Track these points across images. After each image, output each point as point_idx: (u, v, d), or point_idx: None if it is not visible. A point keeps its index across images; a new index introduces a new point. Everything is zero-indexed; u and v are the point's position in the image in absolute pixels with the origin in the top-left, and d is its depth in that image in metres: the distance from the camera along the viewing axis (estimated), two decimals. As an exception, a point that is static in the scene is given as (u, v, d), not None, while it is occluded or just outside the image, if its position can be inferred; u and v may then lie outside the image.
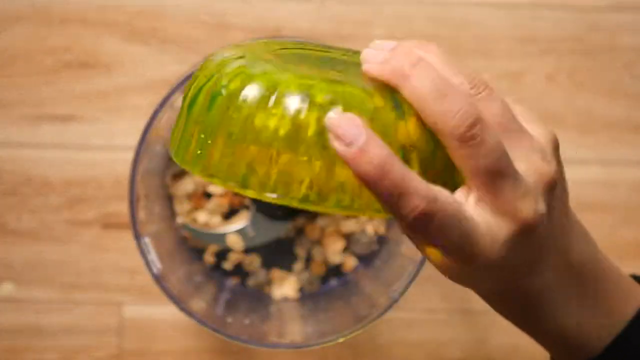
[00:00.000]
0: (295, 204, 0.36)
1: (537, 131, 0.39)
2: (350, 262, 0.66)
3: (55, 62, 0.69)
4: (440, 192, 0.35)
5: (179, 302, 0.56)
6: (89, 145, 0.69)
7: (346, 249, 0.66)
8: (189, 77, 0.57)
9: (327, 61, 0.42)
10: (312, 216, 0.65)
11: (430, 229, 0.35)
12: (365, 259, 0.66)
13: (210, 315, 0.59)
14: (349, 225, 0.65)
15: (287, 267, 0.66)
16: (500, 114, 0.37)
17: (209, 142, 0.37)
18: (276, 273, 0.66)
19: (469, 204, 0.37)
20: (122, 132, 0.69)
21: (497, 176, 0.36)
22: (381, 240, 0.66)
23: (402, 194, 0.34)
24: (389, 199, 0.34)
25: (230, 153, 0.36)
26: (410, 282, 0.57)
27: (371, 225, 0.65)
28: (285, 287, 0.65)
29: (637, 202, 0.70)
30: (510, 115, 0.38)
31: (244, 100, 0.36)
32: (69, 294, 0.69)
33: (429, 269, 0.67)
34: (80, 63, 0.69)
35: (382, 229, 0.66)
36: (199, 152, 0.37)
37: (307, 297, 0.66)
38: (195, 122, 0.38)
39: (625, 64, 0.70)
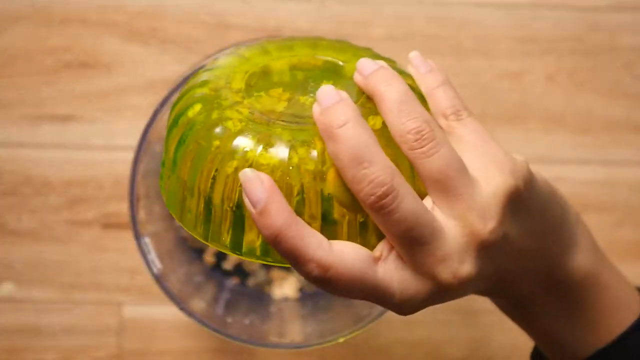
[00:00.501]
0: (243, 257, 0.38)
1: (491, 181, 0.39)
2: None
3: (55, 62, 0.69)
4: (342, 254, 0.36)
5: (179, 302, 0.56)
6: (89, 145, 0.69)
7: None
8: (188, 77, 0.57)
9: (301, 85, 0.43)
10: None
11: (330, 289, 0.37)
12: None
13: (210, 315, 0.59)
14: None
15: (287, 267, 0.66)
16: (438, 170, 0.37)
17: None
18: (276, 273, 0.66)
19: (387, 260, 0.37)
20: (122, 132, 0.69)
21: (412, 243, 0.36)
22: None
23: (297, 258, 0.36)
24: (289, 261, 0.36)
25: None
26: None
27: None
28: (286, 287, 0.65)
29: (638, 203, 0.70)
30: (450, 173, 0.37)
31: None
32: (69, 294, 0.68)
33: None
34: (80, 63, 0.69)
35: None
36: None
37: (307, 297, 0.66)
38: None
39: (625, 64, 0.70)
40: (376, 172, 0.36)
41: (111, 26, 0.69)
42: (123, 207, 0.68)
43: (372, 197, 0.36)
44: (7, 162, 0.68)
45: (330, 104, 0.37)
